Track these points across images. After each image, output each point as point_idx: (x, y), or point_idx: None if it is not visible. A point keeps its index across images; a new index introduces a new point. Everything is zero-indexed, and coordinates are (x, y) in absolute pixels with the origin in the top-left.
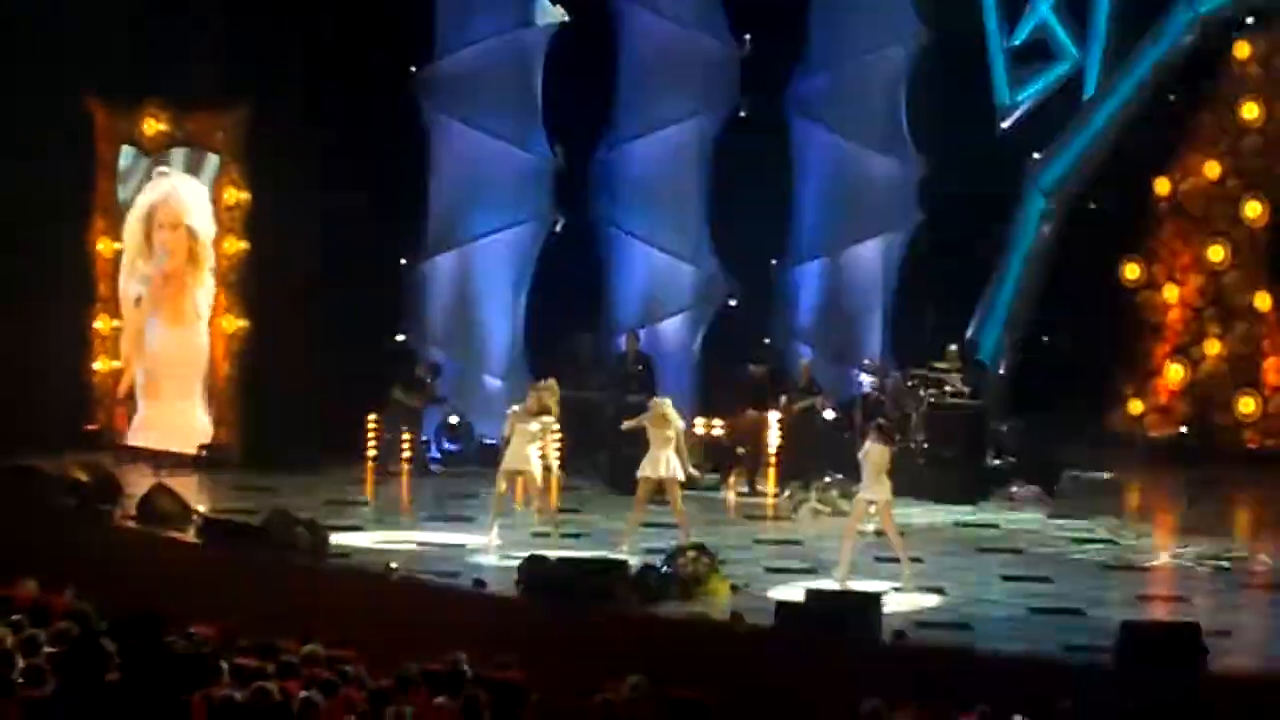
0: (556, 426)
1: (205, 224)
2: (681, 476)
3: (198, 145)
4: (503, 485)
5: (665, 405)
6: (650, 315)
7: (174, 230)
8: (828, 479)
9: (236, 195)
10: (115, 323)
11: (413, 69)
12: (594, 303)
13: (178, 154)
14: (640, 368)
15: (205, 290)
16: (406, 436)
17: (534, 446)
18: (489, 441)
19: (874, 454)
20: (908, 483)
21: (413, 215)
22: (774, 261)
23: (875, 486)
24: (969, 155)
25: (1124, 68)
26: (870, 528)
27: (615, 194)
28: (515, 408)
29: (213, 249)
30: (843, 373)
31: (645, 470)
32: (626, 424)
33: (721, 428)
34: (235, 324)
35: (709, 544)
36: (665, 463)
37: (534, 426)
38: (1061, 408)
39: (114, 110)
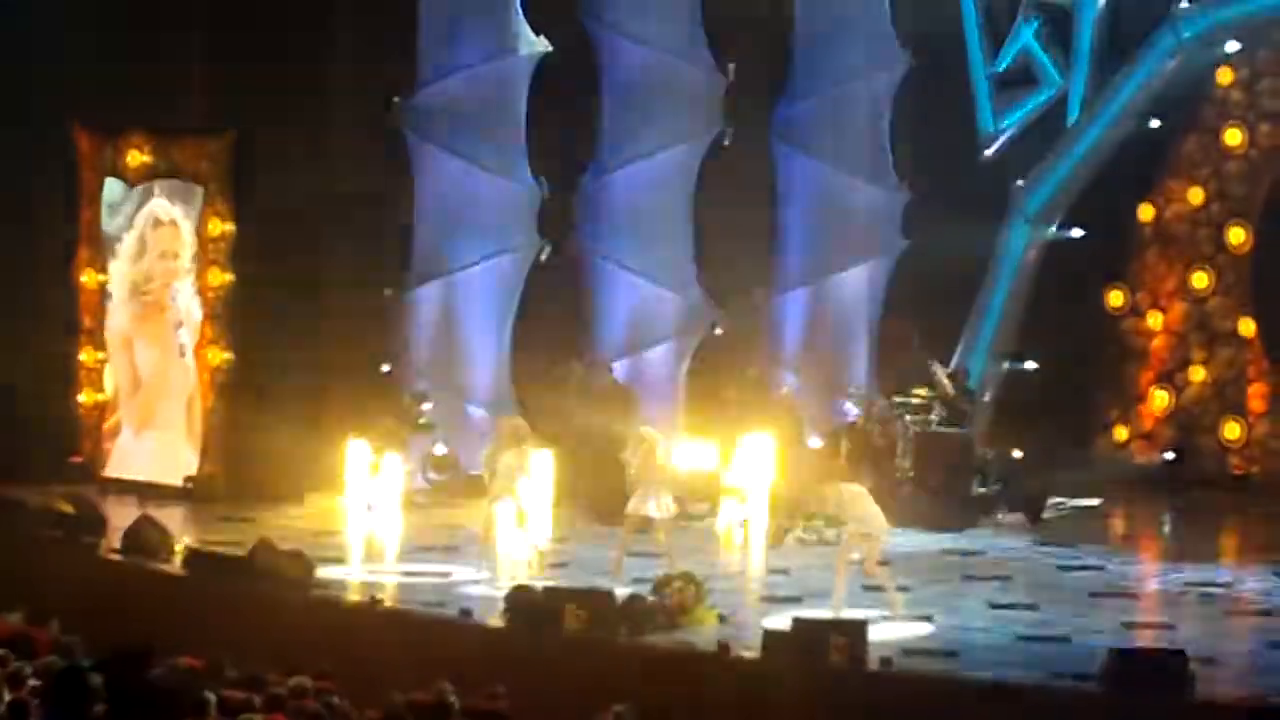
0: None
1: (189, 254)
2: (671, 512)
3: (182, 176)
4: (491, 516)
5: (650, 436)
6: (635, 344)
7: (170, 259)
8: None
9: (221, 226)
10: (100, 355)
11: (396, 99)
12: (580, 332)
13: (165, 185)
14: (619, 396)
15: (188, 320)
16: (393, 466)
17: (519, 474)
18: (475, 472)
19: (849, 495)
20: (894, 510)
21: (397, 245)
22: (759, 289)
23: (870, 520)
24: (953, 182)
25: (1107, 94)
26: (856, 555)
27: (600, 223)
28: (489, 445)
29: (195, 280)
30: (828, 400)
31: (635, 508)
32: (632, 470)
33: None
34: (220, 356)
35: (696, 573)
36: (654, 501)
37: (511, 457)
38: (1047, 434)
39: (98, 140)
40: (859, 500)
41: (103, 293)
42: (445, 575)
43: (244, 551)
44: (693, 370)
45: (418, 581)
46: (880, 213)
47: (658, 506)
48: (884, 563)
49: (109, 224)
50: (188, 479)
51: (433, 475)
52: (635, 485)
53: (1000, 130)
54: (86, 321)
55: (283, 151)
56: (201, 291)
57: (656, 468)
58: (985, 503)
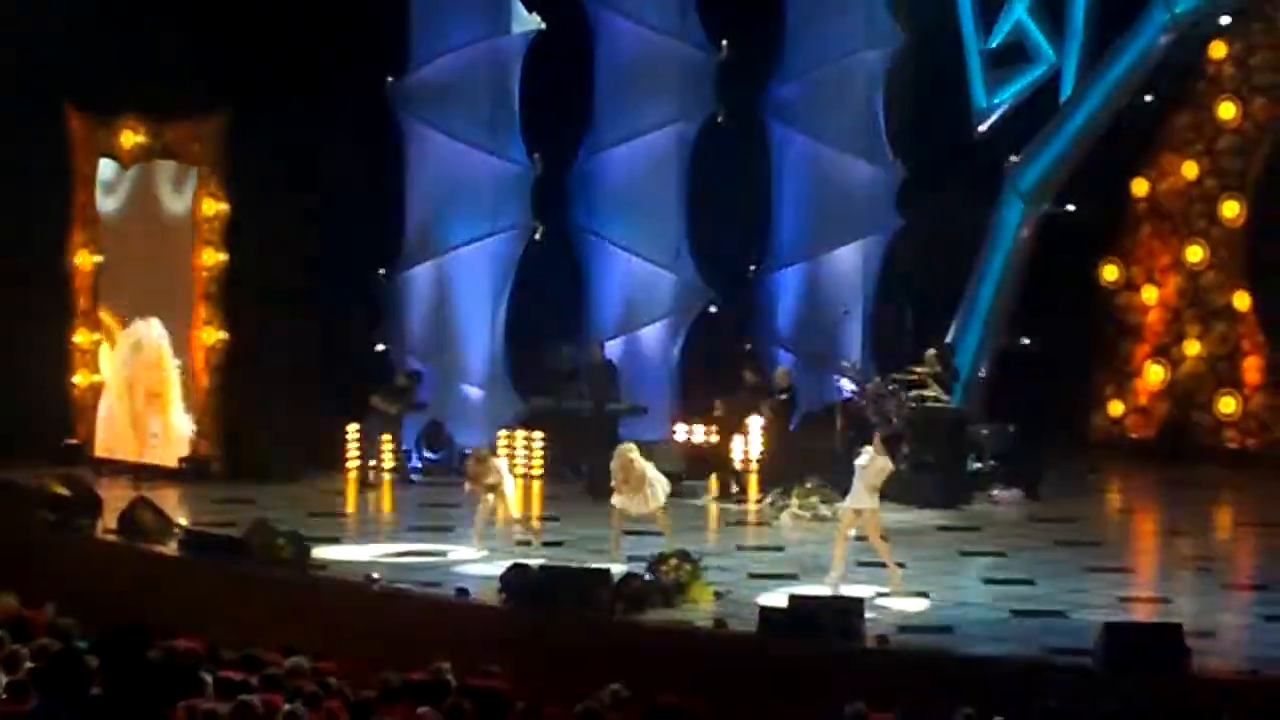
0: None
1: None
2: (659, 502)
3: (176, 157)
4: (488, 496)
5: (624, 448)
6: (630, 322)
7: (155, 370)
8: (808, 484)
9: (215, 206)
10: (95, 336)
11: (389, 78)
12: (573, 311)
13: (162, 166)
14: (603, 376)
15: (180, 299)
16: (388, 446)
17: (505, 462)
18: (469, 451)
19: (876, 467)
20: (889, 487)
21: (391, 225)
22: (753, 267)
23: (865, 496)
24: (947, 159)
25: (1100, 69)
26: (853, 533)
27: (594, 201)
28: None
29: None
30: (823, 377)
31: (621, 505)
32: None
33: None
34: (215, 336)
35: (691, 551)
36: (642, 502)
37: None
38: (1042, 410)
39: (92, 122)
40: (877, 475)
41: (97, 274)
42: (441, 554)
43: (240, 532)
44: (686, 348)
45: (414, 561)
46: (874, 190)
47: (645, 505)
48: (882, 538)
49: (103, 204)
50: (183, 460)
51: (427, 454)
52: (619, 492)
53: (993, 106)
54: (81, 303)
55: (276, 132)
56: (195, 271)
57: (636, 476)
58: (981, 478)
